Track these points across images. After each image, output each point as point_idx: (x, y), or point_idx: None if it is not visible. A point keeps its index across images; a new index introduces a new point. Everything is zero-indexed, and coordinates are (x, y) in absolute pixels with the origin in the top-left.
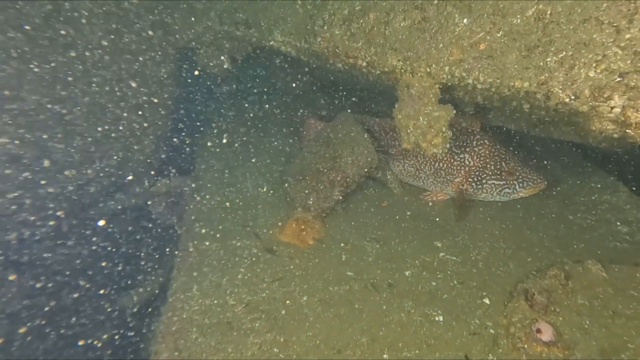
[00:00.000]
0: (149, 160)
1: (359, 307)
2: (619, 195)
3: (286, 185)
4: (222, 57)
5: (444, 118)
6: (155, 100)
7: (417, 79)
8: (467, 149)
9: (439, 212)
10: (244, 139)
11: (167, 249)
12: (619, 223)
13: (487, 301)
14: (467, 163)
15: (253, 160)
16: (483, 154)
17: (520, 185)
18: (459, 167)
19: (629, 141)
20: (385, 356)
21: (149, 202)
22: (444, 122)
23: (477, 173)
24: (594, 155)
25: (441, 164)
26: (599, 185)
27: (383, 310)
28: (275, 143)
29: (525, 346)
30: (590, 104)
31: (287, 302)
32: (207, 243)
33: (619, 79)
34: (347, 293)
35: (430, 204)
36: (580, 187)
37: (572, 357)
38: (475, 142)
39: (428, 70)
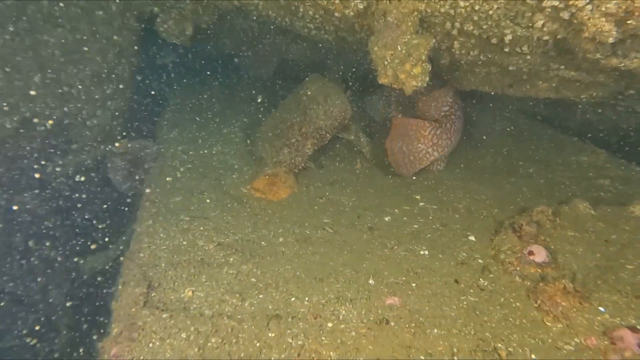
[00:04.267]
0: (107, 127)
1: (338, 245)
2: (597, 156)
3: (256, 143)
4: (185, 24)
5: (424, 46)
6: (114, 69)
7: (394, 5)
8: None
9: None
10: (211, 109)
11: (128, 215)
12: (600, 179)
13: (472, 238)
14: None
15: (221, 128)
16: None
17: None
18: None
19: (629, 50)
20: (371, 281)
21: (107, 165)
22: (424, 50)
23: None
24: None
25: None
26: (576, 149)
27: (364, 247)
28: (245, 111)
29: (518, 268)
30: None
31: (262, 243)
32: (172, 197)
33: None
34: (324, 235)
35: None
36: (557, 152)
37: (570, 275)
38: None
39: None
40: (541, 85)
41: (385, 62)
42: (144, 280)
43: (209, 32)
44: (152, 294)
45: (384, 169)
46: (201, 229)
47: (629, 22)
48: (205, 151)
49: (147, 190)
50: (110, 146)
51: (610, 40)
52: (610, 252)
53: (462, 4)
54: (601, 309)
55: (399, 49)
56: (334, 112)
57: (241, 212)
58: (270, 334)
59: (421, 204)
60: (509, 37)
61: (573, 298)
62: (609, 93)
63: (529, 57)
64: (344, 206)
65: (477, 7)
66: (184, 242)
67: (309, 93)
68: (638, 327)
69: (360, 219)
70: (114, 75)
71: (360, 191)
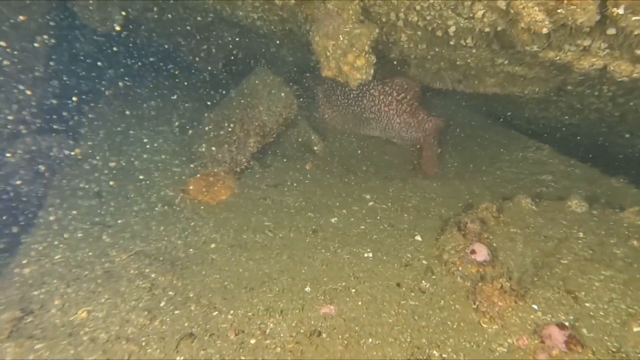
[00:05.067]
0: (9, 122)
1: (277, 250)
2: (541, 152)
3: (194, 141)
4: (110, 10)
5: (367, 35)
6: (20, 56)
7: None
8: None
9: (369, 171)
10: (146, 106)
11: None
12: (543, 174)
13: (418, 238)
14: None
15: (156, 126)
16: None
17: None
18: None
19: (563, 42)
20: (307, 289)
21: (5, 163)
22: (367, 40)
23: None
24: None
25: None
26: (521, 145)
27: (305, 251)
28: (184, 107)
29: (460, 268)
30: None
31: (190, 250)
32: (83, 201)
33: None
34: (263, 239)
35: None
36: (505, 148)
37: (507, 274)
38: None
39: None
40: (488, 80)
41: (328, 53)
42: (19, 303)
43: (146, 21)
44: (28, 320)
45: (336, 167)
46: (116, 237)
47: (559, 10)
48: (136, 149)
49: (51, 194)
50: (10, 143)
51: (545, 30)
52: (547, 247)
53: None
54: (534, 306)
55: (341, 39)
56: (277, 107)
57: (171, 216)
58: (178, 358)
59: (370, 203)
60: (453, 28)
61: (509, 297)
62: (549, 88)
63: (474, 50)
64: (288, 208)
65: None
66: (90, 253)
67: (252, 87)
68: (566, 323)
69: (304, 221)
70: (21, 64)
71: (308, 191)
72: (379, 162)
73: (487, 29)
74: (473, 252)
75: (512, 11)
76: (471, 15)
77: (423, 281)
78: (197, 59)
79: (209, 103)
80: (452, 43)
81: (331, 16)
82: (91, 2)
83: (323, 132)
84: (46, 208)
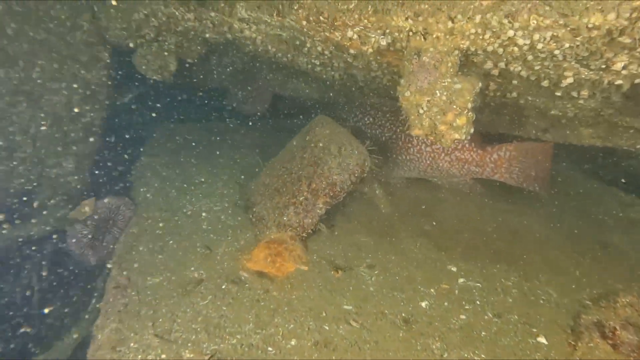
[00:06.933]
0: (70, 183)
1: (369, 351)
2: None
3: (253, 199)
4: (168, 59)
5: (469, 91)
6: (80, 111)
7: (431, 42)
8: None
9: (443, 232)
10: (196, 155)
11: (89, 297)
12: None
13: (543, 341)
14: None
15: (208, 179)
16: None
17: None
18: None
19: None
20: None
21: (66, 232)
22: (469, 97)
23: None
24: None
25: None
26: (617, 201)
27: (404, 354)
28: (236, 157)
29: None
30: None
31: (269, 349)
32: (148, 279)
33: None
34: (349, 333)
35: (434, 223)
36: (594, 202)
37: None
38: None
39: (450, 25)
40: (585, 131)
41: (421, 111)
42: None
43: (192, 66)
44: None
45: (405, 226)
46: (188, 329)
47: None
48: (191, 210)
49: (116, 270)
50: (72, 207)
51: None
52: None
53: (520, 42)
54: None
55: (438, 94)
56: (350, 165)
57: (239, 297)
58: None
59: (461, 280)
60: (569, 80)
61: None
62: None
63: (581, 102)
64: (366, 284)
65: (539, 46)
66: (163, 356)
67: (318, 140)
68: None
69: (389, 304)
70: (80, 118)
71: (382, 260)
72: (452, 220)
73: (619, 81)
74: None
75: None
76: (604, 66)
77: None
78: (246, 103)
79: (264, 152)
80: (558, 94)
81: (426, 69)
82: (150, 54)
83: (389, 187)
84: (111, 289)
